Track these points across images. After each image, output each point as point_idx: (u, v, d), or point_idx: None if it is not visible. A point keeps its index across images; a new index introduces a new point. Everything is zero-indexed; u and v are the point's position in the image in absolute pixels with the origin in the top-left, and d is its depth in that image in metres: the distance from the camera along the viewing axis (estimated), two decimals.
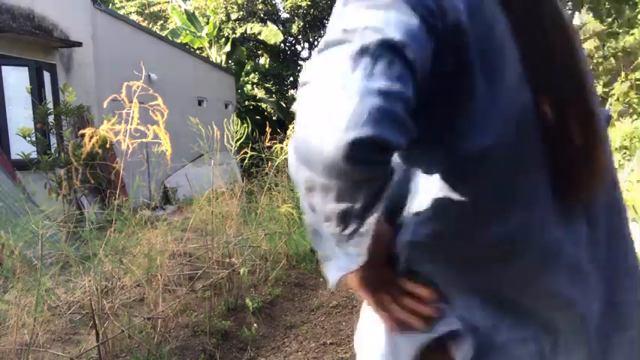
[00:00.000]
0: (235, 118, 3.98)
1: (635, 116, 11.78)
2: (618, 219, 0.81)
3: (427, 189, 0.72)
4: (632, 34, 13.07)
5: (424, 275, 0.74)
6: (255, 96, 17.32)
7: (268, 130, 4.66)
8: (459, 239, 0.71)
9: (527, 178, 0.70)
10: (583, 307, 0.74)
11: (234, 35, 15.14)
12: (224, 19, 15.35)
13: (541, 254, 0.71)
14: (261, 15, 16.06)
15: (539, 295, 0.73)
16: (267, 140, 4.52)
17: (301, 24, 20.02)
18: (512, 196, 0.69)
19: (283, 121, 14.82)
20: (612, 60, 15.77)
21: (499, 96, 0.66)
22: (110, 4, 15.57)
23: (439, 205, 0.70)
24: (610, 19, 12.93)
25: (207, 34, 14.95)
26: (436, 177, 0.70)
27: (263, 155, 4.54)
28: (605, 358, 0.77)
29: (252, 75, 17.32)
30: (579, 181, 0.72)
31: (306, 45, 23.27)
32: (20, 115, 6.50)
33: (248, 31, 15.15)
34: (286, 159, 3.58)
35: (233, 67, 15.24)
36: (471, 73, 0.64)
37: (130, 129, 2.73)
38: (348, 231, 0.60)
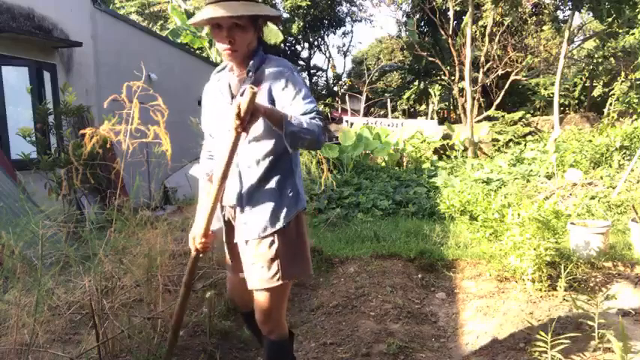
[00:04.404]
0: None
1: (635, 116, 11.78)
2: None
3: None
4: (632, 34, 13.06)
5: None
6: None
7: None
8: None
9: None
10: None
11: None
12: None
13: None
14: None
15: None
16: None
17: (301, 24, 20.02)
18: None
19: None
20: (612, 60, 15.76)
21: None
22: (110, 4, 15.56)
23: None
24: (610, 19, 12.93)
25: (207, 34, 14.93)
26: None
27: None
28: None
29: None
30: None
31: (306, 45, 23.27)
32: (20, 115, 6.50)
33: None
34: None
35: None
36: None
37: (130, 129, 2.73)
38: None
